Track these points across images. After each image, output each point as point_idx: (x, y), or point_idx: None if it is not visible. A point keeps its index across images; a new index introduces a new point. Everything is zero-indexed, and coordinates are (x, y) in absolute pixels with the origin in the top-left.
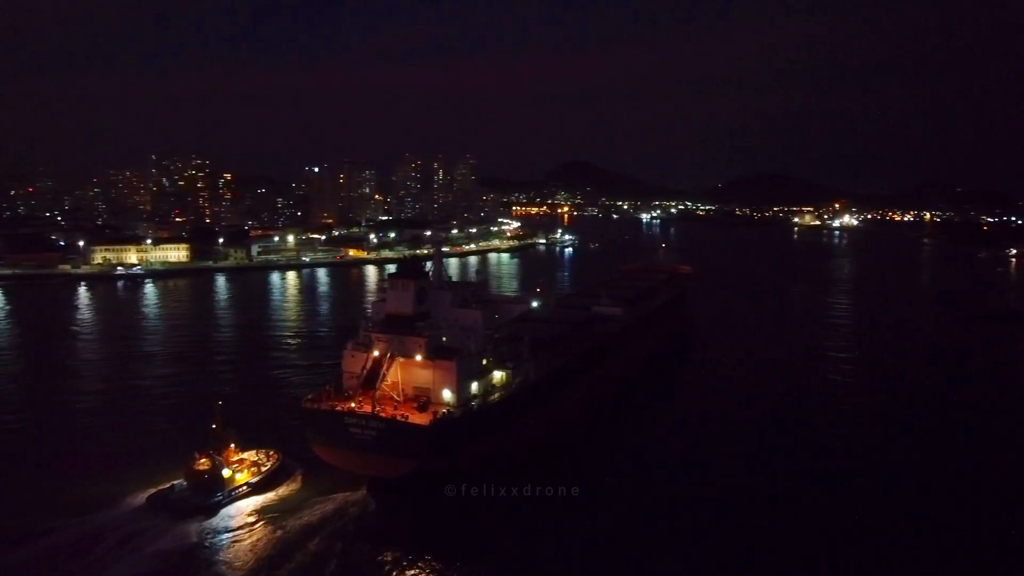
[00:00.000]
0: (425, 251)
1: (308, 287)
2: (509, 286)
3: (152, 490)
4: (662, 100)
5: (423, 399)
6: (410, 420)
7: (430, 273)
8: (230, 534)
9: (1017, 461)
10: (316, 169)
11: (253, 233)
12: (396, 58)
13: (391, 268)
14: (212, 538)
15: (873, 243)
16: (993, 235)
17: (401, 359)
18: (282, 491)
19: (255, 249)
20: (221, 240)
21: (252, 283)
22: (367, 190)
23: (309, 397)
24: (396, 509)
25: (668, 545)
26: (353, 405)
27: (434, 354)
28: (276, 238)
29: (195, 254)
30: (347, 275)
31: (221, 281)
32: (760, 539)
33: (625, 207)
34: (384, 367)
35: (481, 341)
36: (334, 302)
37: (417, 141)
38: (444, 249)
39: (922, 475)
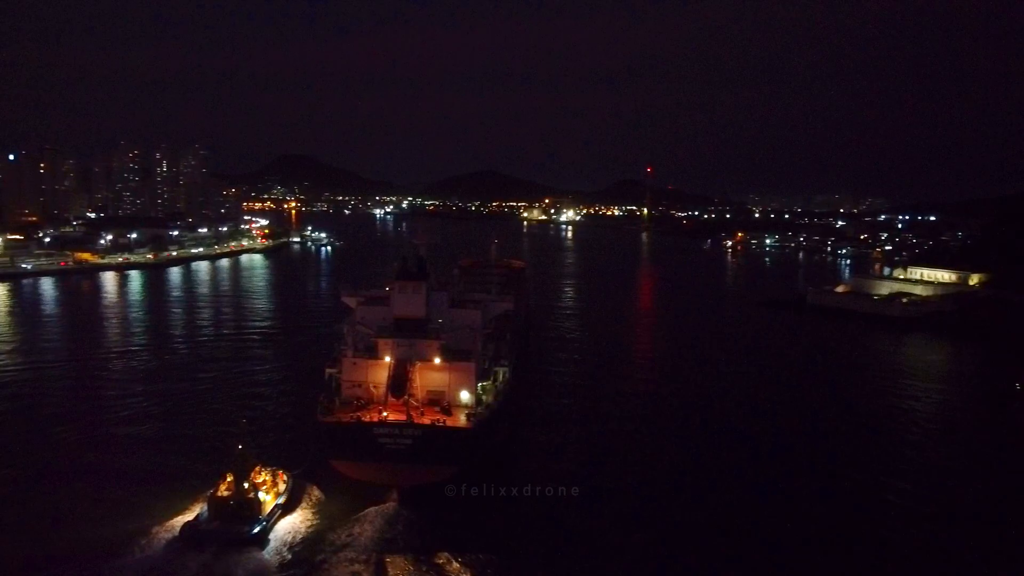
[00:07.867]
0: (170, 253)
1: (32, 303)
2: (266, 291)
3: (177, 520)
4: (382, 95)
5: (443, 402)
6: (448, 424)
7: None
8: (300, 568)
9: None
10: (11, 157)
11: None
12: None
13: (135, 274)
14: (286, 574)
15: (601, 236)
16: (694, 229)
17: (418, 363)
18: (309, 512)
19: None
20: None
21: None
22: (67, 183)
23: (319, 411)
24: (434, 516)
25: (667, 544)
26: (386, 414)
27: (450, 356)
28: None
29: None
30: (78, 286)
31: None
32: (762, 537)
33: (352, 202)
34: (410, 373)
35: (482, 340)
36: (74, 320)
37: (124, 129)
38: (194, 251)
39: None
